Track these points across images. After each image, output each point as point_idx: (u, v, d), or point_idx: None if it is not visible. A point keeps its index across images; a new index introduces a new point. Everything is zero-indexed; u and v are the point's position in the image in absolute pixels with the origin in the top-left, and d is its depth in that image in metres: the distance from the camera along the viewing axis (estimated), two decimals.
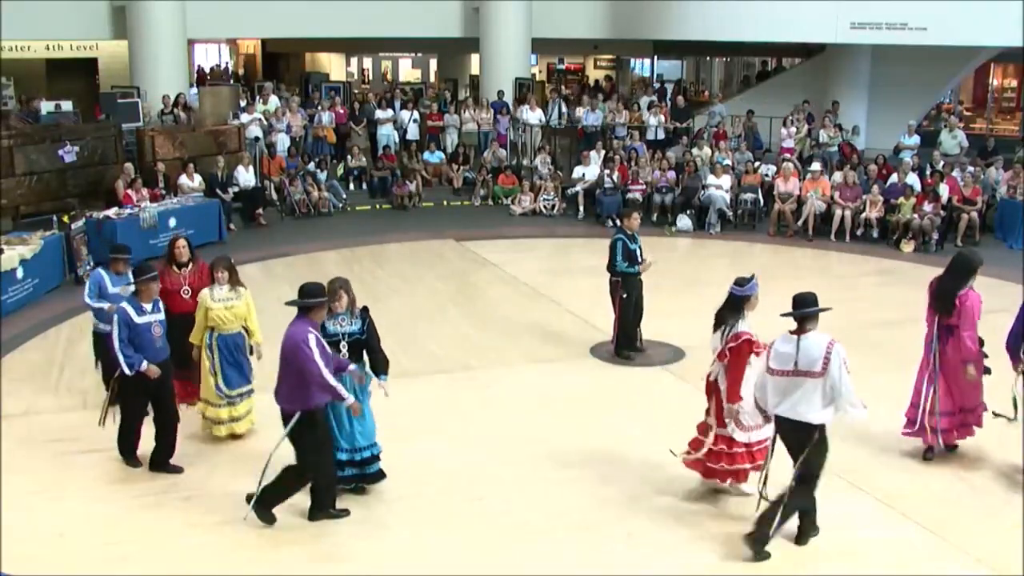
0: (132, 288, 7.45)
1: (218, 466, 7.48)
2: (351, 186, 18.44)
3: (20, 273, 11.51)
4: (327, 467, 6.58)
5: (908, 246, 15.02)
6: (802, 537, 6.39)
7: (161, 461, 7.39)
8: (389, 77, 34.37)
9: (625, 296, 9.81)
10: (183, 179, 15.58)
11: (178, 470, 7.38)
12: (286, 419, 6.39)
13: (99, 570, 6.07)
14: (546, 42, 23.73)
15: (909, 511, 6.86)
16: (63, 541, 6.44)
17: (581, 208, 17.25)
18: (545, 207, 17.49)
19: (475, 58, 25.16)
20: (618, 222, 15.86)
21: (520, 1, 21.40)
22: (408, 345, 10.28)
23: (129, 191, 14.56)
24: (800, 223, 15.86)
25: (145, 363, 7.08)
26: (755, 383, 6.55)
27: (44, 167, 14.93)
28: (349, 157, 18.84)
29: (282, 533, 6.53)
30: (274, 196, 17.08)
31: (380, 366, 6.91)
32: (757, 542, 6.20)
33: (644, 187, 16.90)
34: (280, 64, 32.13)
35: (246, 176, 16.39)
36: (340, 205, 17.41)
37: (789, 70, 27.02)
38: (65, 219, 14.04)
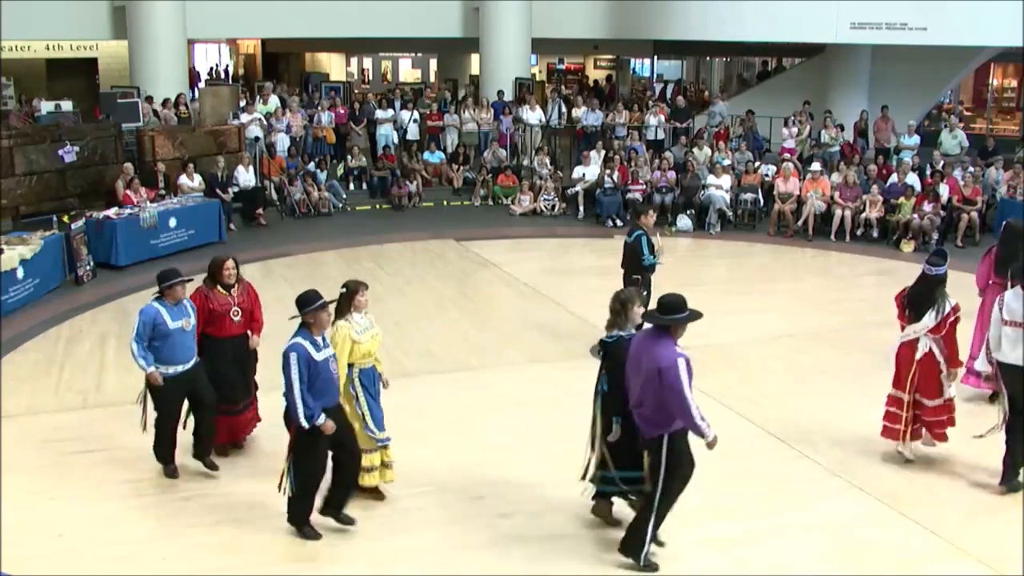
0: (192, 321, 7.18)
1: (218, 466, 7.46)
2: (351, 186, 18.45)
3: (20, 273, 11.50)
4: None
5: (908, 246, 15.02)
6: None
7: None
8: (389, 77, 34.37)
9: (645, 294, 9.83)
10: (183, 179, 15.58)
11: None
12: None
13: (99, 570, 6.07)
14: (546, 42, 23.72)
15: (909, 511, 6.87)
16: (63, 541, 6.44)
17: (581, 208, 17.25)
18: (545, 207, 17.50)
19: (475, 58, 25.15)
20: (619, 222, 16.09)
21: (520, 1, 21.40)
22: (408, 345, 10.29)
23: (128, 191, 14.56)
24: (800, 223, 15.86)
25: (323, 417, 6.21)
26: (989, 334, 7.38)
27: (44, 167, 14.93)
28: (349, 157, 18.84)
29: (281, 533, 6.53)
30: (274, 196, 17.08)
31: None
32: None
33: (644, 187, 16.90)
34: (280, 64, 32.13)
35: (246, 176, 16.39)
36: (340, 205, 17.42)
37: (789, 70, 27.02)
38: (65, 219, 14.03)
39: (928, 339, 7.42)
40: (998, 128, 25.28)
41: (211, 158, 16.18)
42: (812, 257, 14.96)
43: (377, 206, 17.85)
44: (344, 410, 6.58)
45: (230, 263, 7.63)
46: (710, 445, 5.86)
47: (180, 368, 7.13)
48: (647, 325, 6.14)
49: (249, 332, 7.66)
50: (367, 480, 6.82)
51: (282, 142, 18.18)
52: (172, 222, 14.19)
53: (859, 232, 15.63)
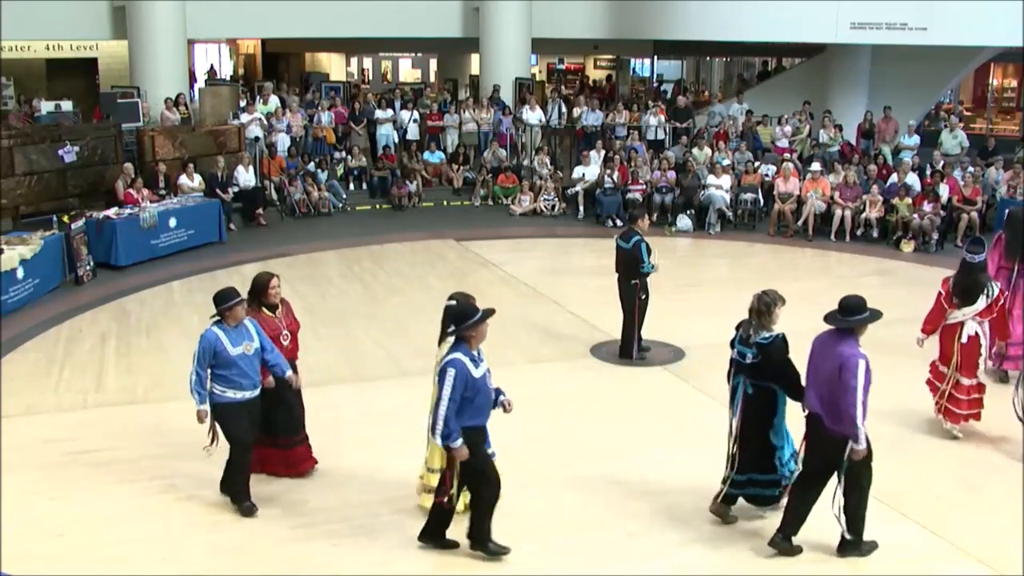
0: (256, 345, 6.57)
1: (218, 467, 7.44)
2: (351, 186, 18.45)
3: (20, 273, 11.50)
4: None
5: (908, 246, 15.02)
6: None
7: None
8: (389, 77, 34.37)
9: (644, 297, 9.85)
10: (183, 179, 15.58)
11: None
12: None
13: (99, 570, 6.06)
14: (546, 42, 23.71)
15: (909, 511, 6.86)
16: (63, 541, 6.44)
17: (581, 208, 17.25)
18: (545, 207, 17.50)
19: (475, 58, 25.15)
20: (619, 222, 16.08)
21: (520, 1, 21.39)
22: (408, 345, 10.27)
23: (131, 190, 14.56)
24: (800, 223, 15.86)
25: (460, 442, 5.89)
26: None
27: (44, 167, 14.93)
28: (349, 157, 18.84)
29: (282, 533, 6.53)
30: (274, 196, 17.08)
31: None
32: None
33: (644, 187, 16.90)
34: (280, 64, 32.11)
35: (246, 176, 16.40)
36: (340, 205, 17.42)
37: (789, 70, 27.02)
38: (65, 219, 14.02)
39: (974, 323, 8.00)
40: (998, 128, 25.29)
41: (211, 158, 16.18)
42: (812, 257, 14.96)
43: (377, 206, 17.84)
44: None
45: (275, 281, 7.01)
46: (854, 453, 5.92)
47: (248, 395, 6.59)
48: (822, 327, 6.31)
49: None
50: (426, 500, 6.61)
51: (282, 142, 18.18)
52: (172, 222, 14.19)
53: (859, 232, 15.63)
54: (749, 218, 16.76)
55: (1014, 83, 27.28)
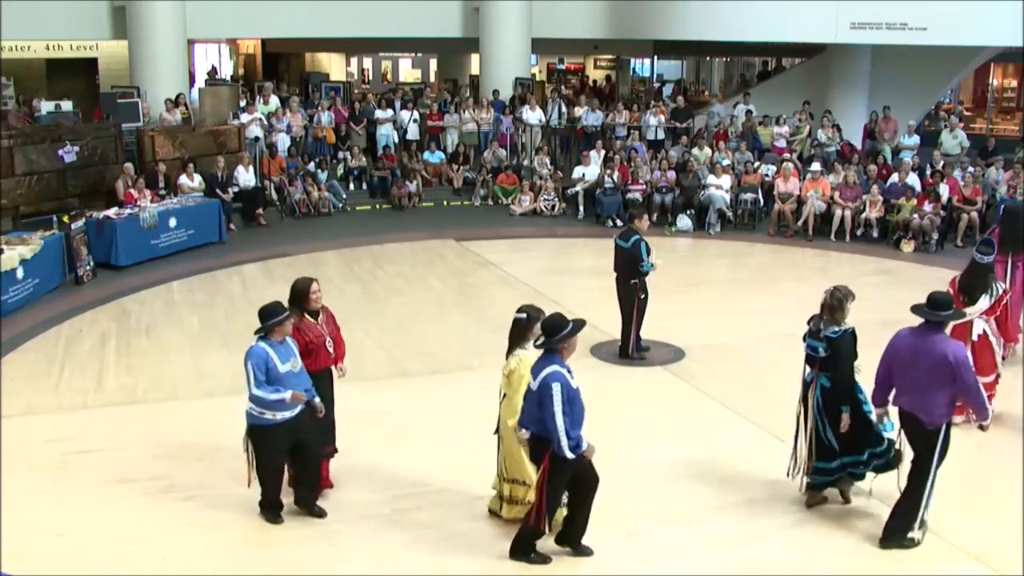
0: (300, 363, 6.39)
1: (218, 466, 7.46)
2: (351, 186, 18.44)
3: (20, 273, 11.50)
4: None
5: (908, 246, 15.02)
6: None
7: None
8: (389, 77, 34.37)
9: (643, 296, 9.85)
10: (183, 179, 15.58)
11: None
12: None
13: (99, 570, 6.06)
14: (546, 42, 23.71)
15: None
16: (63, 541, 6.44)
17: (581, 208, 17.25)
18: (545, 207, 17.50)
19: (475, 58, 25.15)
20: (619, 222, 16.07)
21: (520, 1, 21.40)
22: (408, 345, 10.29)
23: (132, 190, 14.57)
24: (800, 223, 15.86)
25: (586, 442, 5.89)
26: None
27: (44, 167, 14.93)
28: (349, 157, 18.84)
29: (282, 534, 6.53)
30: (274, 196, 17.08)
31: None
32: None
33: (644, 187, 16.90)
34: (280, 64, 32.11)
35: (246, 176, 16.40)
36: (340, 205, 17.42)
37: (789, 70, 27.02)
38: (65, 219, 14.02)
39: (982, 321, 8.13)
40: (998, 128, 25.30)
41: (211, 158, 16.18)
42: (812, 257, 14.96)
43: (377, 206, 17.85)
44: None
45: (315, 286, 6.73)
46: (983, 427, 6.83)
47: (288, 414, 6.34)
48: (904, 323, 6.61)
49: (337, 366, 6.98)
50: (509, 511, 6.58)
51: (282, 142, 18.18)
52: (172, 222, 14.19)
53: (859, 232, 15.63)
54: (749, 218, 16.76)
55: (1014, 83, 27.28)
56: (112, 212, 13.80)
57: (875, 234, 15.58)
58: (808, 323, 6.77)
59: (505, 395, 6.48)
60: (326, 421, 6.82)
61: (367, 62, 35.37)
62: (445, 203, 18.20)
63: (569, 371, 5.93)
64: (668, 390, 9.33)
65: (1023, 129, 24.57)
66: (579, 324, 5.95)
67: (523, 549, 6.19)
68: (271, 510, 6.62)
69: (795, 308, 12.40)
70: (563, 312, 6.11)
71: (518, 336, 6.37)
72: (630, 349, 9.97)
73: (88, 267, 12.83)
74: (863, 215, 15.65)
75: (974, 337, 8.09)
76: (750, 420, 8.48)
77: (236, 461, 7.47)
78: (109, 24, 19.83)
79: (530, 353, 6.24)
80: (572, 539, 6.25)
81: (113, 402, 8.84)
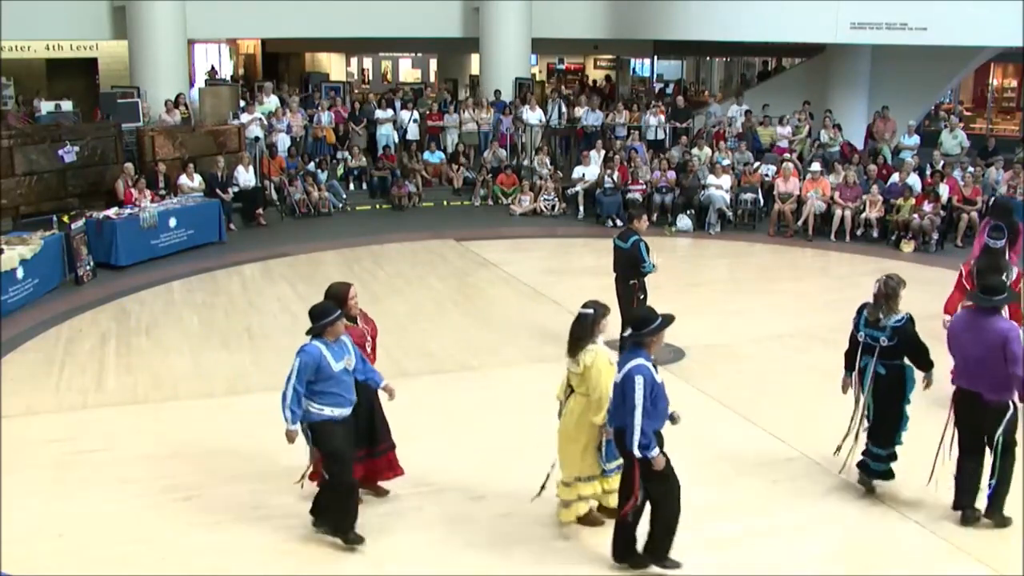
0: (354, 360, 6.35)
1: (218, 466, 7.47)
2: (351, 186, 18.45)
3: (20, 273, 11.50)
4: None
5: (908, 246, 15.03)
6: None
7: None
8: (389, 77, 34.37)
9: (643, 297, 9.83)
10: (183, 179, 15.59)
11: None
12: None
13: (99, 570, 6.06)
14: (546, 42, 23.72)
15: (909, 511, 6.86)
16: (63, 541, 6.44)
17: (581, 208, 17.26)
18: (545, 207, 17.50)
19: (475, 58, 25.15)
20: (619, 222, 16.06)
21: (520, 1, 21.40)
22: (408, 345, 10.29)
23: (132, 190, 14.57)
24: (800, 223, 15.86)
25: (657, 450, 5.82)
26: None
27: (44, 167, 14.93)
28: (349, 157, 18.84)
29: (282, 534, 6.53)
30: (274, 196, 17.09)
31: None
32: None
33: (644, 187, 16.90)
34: (280, 64, 32.13)
35: (246, 176, 16.40)
36: (340, 205, 17.42)
37: (789, 70, 27.02)
38: (65, 219, 14.03)
39: None
40: (998, 128, 25.30)
41: (211, 158, 16.19)
42: (812, 257, 14.96)
43: (377, 206, 17.85)
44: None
45: (353, 291, 6.72)
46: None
47: (346, 412, 6.30)
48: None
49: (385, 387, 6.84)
50: (578, 509, 6.55)
51: (282, 142, 18.19)
52: (172, 222, 14.19)
53: (859, 232, 15.63)
54: (749, 218, 16.76)
55: (1014, 83, 27.28)
56: (112, 212, 13.81)
57: (875, 234, 15.58)
58: (862, 312, 6.96)
59: (572, 392, 6.36)
60: (378, 420, 6.88)
61: (367, 62, 35.38)
62: (445, 203, 18.20)
63: (654, 365, 5.87)
64: (668, 390, 9.30)
65: (1023, 129, 24.56)
66: (668, 319, 5.91)
67: (655, 555, 6.02)
68: (350, 496, 6.38)
69: (795, 308, 12.47)
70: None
71: (584, 333, 6.25)
72: None
73: (88, 267, 12.83)
74: (863, 215, 15.65)
75: None
76: (750, 420, 8.48)
77: (236, 461, 7.53)
78: (109, 24, 19.84)
79: (604, 348, 6.25)
80: (648, 550, 6.07)
81: (113, 402, 8.84)
